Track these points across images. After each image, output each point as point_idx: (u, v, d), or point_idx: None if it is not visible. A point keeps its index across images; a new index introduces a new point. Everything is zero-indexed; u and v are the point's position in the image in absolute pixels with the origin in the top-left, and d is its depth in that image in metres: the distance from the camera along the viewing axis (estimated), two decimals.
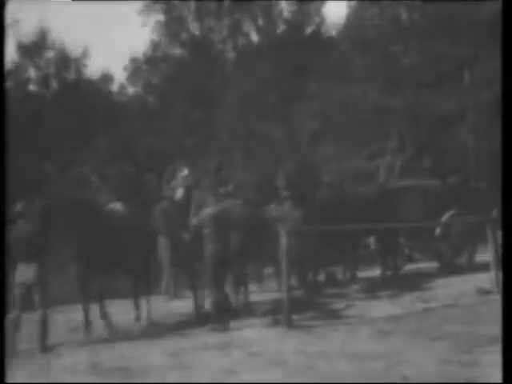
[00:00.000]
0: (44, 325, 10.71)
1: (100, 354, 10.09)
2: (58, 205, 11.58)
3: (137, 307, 12.60)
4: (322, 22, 35.56)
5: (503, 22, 9.09)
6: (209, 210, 11.71)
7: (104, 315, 11.92)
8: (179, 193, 14.16)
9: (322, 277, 15.09)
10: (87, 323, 11.66)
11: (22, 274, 10.69)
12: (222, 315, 11.39)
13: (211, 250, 11.45)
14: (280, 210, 13.52)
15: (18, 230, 10.84)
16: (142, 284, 12.77)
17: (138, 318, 12.49)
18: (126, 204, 12.91)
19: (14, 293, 10.75)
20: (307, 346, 9.60)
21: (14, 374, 9.00)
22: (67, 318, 12.91)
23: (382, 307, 12.35)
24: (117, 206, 12.85)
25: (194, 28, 35.28)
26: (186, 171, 14.87)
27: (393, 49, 31.23)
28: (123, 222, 12.26)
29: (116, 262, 12.25)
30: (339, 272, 15.61)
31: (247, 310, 12.74)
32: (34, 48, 32.63)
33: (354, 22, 33.23)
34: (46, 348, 10.61)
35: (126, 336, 11.43)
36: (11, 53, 32.45)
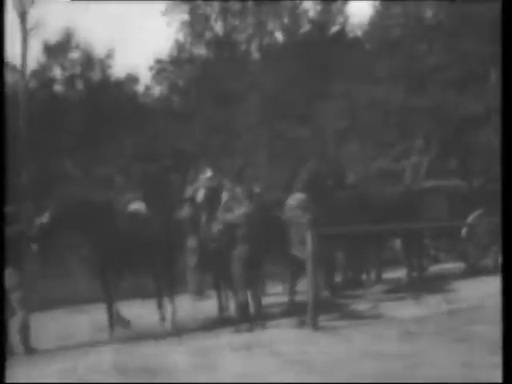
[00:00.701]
0: (25, 329, 10.70)
1: (123, 354, 10.14)
2: (74, 205, 11.57)
3: (160, 307, 12.57)
4: (346, 21, 35.44)
5: (503, 21, 8.98)
6: (242, 210, 11.64)
7: (122, 319, 11.90)
8: (201, 194, 14.09)
9: (347, 277, 15.05)
10: (111, 323, 11.65)
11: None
12: (248, 316, 11.38)
13: (244, 250, 11.41)
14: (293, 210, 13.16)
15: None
16: (166, 284, 12.71)
17: (162, 318, 12.48)
18: (149, 203, 12.91)
19: None
20: (333, 347, 9.59)
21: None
22: (92, 318, 12.91)
23: (408, 308, 12.31)
24: (140, 206, 12.85)
25: (219, 27, 35.32)
26: (208, 173, 14.79)
27: (418, 48, 31.07)
28: (146, 222, 12.25)
29: (139, 261, 12.23)
30: (364, 273, 15.55)
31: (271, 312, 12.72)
32: (59, 48, 32.79)
33: (378, 22, 33.11)
34: (31, 350, 10.67)
35: (151, 336, 11.42)
36: (37, 53, 32.65)
